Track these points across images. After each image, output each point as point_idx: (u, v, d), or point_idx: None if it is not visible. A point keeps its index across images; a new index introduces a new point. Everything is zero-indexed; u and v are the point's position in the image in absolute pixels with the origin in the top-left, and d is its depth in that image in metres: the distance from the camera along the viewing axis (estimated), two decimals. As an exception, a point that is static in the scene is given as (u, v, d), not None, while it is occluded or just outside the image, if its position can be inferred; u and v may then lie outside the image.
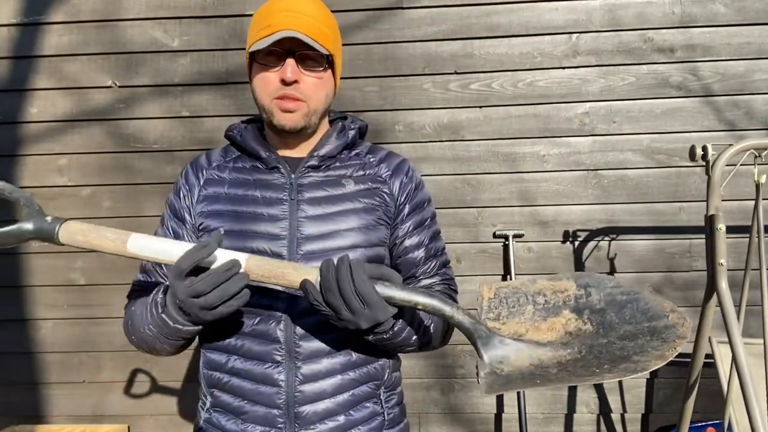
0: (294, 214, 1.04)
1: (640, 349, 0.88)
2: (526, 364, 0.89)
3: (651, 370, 0.82)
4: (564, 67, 2.22)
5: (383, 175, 1.12)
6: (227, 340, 1.04)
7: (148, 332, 0.99)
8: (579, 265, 2.23)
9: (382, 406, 1.09)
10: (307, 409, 1.01)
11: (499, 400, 2.26)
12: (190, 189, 1.11)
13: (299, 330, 1.02)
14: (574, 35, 2.23)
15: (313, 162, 1.08)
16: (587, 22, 2.23)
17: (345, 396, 1.04)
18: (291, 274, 0.90)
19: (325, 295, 0.88)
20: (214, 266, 0.88)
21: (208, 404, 1.08)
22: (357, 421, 1.05)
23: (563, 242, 2.24)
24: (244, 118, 1.20)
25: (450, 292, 1.17)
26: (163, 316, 0.94)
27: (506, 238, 2.21)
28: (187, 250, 0.88)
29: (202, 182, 1.10)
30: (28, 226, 0.93)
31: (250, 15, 2.26)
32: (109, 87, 2.29)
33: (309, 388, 1.01)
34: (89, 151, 2.29)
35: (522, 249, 2.24)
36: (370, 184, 1.10)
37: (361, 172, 1.12)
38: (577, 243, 2.23)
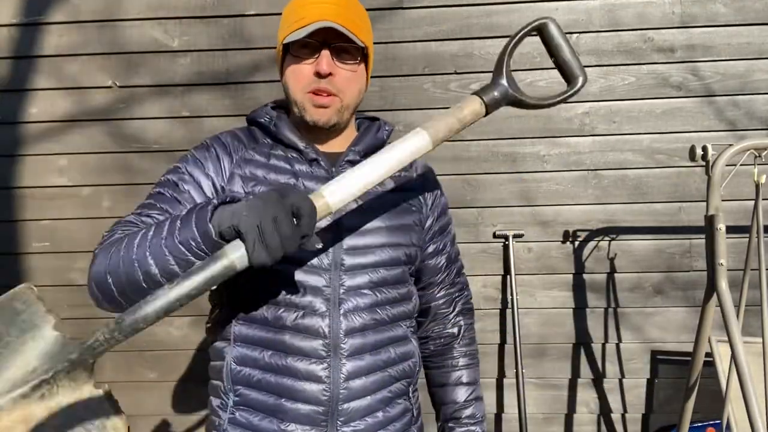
0: None
1: None
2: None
3: None
4: (564, 67, 2.22)
5: (415, 177, 1.14)
6: (264, 334, 1.00)
7: (162, 246, 0.83)
8: (579, 265, 2.23)
9: (411, 403, 1.11)
10: (351, 405, 1.00)
11: (500, 400, 2.26)
12: (219, 157, 1.04)
13: (344, 325, 1.00)
14: (574, 35, 2.23)
15: (352, 157, 1.08)
16: (587, 22, 2.23)
17: (384, 393, 1.05)
18: None
19: None
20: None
21: (230, 403, 1.02)
22: (393, 417, 1.06)
23: (563, 242, 2.24)
24: (267, 105, 1.14)
25: (467, 319, 1.23)
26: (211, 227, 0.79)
27: (506, 238, 2.20)
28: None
29: (235, 159, 1.04)
30: None
31: (251, 15, 2.27)
32: (109, 87, 2.29)
33: (353, 384, 1.01)
34: (89, 151, 2.29)
35: (522, 249, 2.24)
36: (405, 184, 1.12)
37: (396, 173, 1.11)
38: (577, 243, 2.23)
